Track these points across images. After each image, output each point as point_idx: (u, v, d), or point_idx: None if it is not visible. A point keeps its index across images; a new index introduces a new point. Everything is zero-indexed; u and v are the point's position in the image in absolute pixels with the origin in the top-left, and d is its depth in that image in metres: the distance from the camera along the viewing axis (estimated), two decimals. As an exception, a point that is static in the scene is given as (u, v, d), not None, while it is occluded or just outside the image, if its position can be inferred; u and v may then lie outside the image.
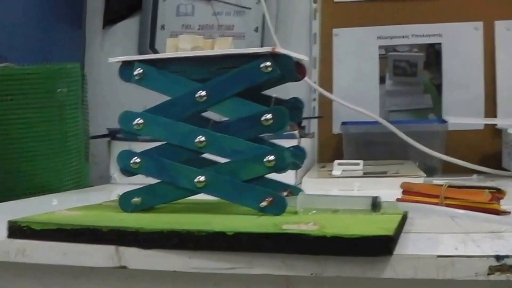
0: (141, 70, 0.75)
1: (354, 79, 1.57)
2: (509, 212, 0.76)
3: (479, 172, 1.28)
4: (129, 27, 1.64)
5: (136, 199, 0.75)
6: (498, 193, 0.77)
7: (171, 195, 0.75)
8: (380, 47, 1.57)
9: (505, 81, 1.51)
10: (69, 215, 0.72)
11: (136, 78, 0.75)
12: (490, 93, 1.52)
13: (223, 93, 0.72)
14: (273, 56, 0.71)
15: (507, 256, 0.54)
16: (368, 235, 0.56)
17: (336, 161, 1.24)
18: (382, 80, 1.57)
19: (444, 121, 1.43)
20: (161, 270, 0.62)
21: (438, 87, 1.55)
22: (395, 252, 0.57)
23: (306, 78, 1.41)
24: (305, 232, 0.58)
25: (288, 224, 0.62)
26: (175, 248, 0.61)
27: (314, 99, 1.58)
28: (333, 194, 0.75)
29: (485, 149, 1.49)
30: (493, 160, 1.40)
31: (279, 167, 0.71)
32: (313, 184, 1.13)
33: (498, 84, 1.52)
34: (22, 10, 1.31)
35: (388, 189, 0.87)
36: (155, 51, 1.56)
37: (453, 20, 1.54)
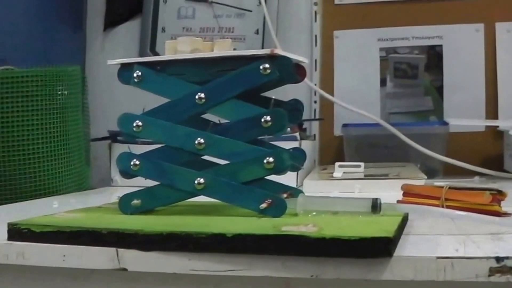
0: (140, 73, 0.75)
1: (355, 81, 1.57)
2: (510, 214, 0.75)
3: (480, 174, 1.28)
4: (130, 29, 1.64)
5: (135, 201, 0.75)
6: (499, 195, 0.77)
7: (170, 197, 0.75)
8: (381, 49, 1.57)
9: (506, 82, 1.51)
10: (69, 217, 0.72)
11: (135, 80, 0.75)
12: (491, 95, 1.52)
13: (222, 95, 0.72)
14: (272, 58, 0.71)
15: (507, 258, 0.54)
16: (368, 236, 0.56)
17: (337, 163, 1.24)
18: (383, 82, 1.57)
19: (445, 123, 1.43)
20: (161, 272, 0.62)
21: (439, 89, 1.55)
22: (395, 254, 0.57)
23: (306, 80, 1.42)
24: (304, 234, 0.58)
25: (287, 225, 0.62)
26: (174, 250, 0.61)
27: (315, 101, 1.58)
28: (333, 196, 0.75)
29: (486, 151, 1.49)
30: (495, 162, 1.40)
31: (279, 169, 0.71)
32: (314, 186, 1.13)
33: (499, 85, 1.51)
34: (23, 13, 1.32)
35: (389, 191, 0.87)
36: (156, 54, 1.56)
37: (454, 22, 1.53)
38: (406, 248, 0.59)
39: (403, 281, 0.56)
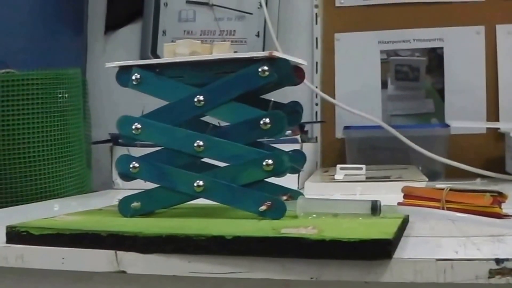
0: (139, 75, 0.75)
1: (356, 83, 1.57)
2: (511, 216, 0.75)
3: (482, 176, 1.27)
4: (131, 32, 1.64)
5: (135, 204, 0.75)
6: (499, 197, 0.76)
7: (170, 199, 0.75)
8: (382, 51, 1.56)
9: (507, 84, 1.51)
10: (69, 220, 0.72)
11: (134, 83, 0.75)
12: (492, 97, 1.52)
13: (221, 97, 0.72)
14: (271, 60, 0.71)
15: (507, 259, 0.54)
16: (367, 238, 0.56)
17: (339, 166, 1.24)
18: (384, 84, 1.57)
19: (447, 125, 1.43)
20: (161, 274, 0.62)
21: (440, 92, 1.55)
22: (395, 256, 0.56)
23: (308, 83, 1.42)
24: (304, 236, 0.58)
25: (287, 228, 0.61)
26: (174, 253, 0.61)
27: (317, 104, 1.58)
28: (333, 198, 0.74)
29: (488, 153, 1.48)
30: (496, 164, 1.40)
31: (278, 171, 0.71)
32: (315, 189, 1.13)
33: (500, 88, 1.51)
34: (24, 16, 1.31)
35: (390, 194, 0.87)
36: (157, 57, 1.56)
37: (454, 24, 1.53)
38: (406, 250, 0.59)
39: (403, 283, 0.56)
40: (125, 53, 1.62)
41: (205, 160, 0.76)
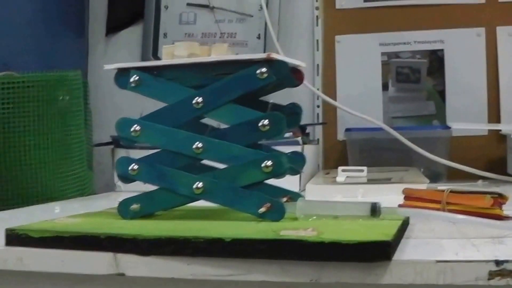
0: (137, 77, 0.75)
1: (357, 85, 1.57)
2: (511, 217, 0.75)
3: (484, 178, 1.27)
4: (132, 35, 1.64)
5: (135, 206, 0.75)
6: (500, 198, 0.76)
7: (169, 201, 0.75)
8: (383, 53, 1.56)
9: (508, 86, 1.50)
10: (68, 222, 0.71)
11: (132, 85, 0.75)
12: (493, 99, 1.51)
13: (220, 99, 0.72)
14: (269, 62, 0.71)
15: (506, 261, 0.53)
16: (366, 240, 0.56)
17: (340, 168, 1.23)
18: (385, 86, 1.57)
19: (448, 127, 1.43)
20: (160, 277, 0.61)
21: (442, 93, 1.55)
22: (394, 258, 0.56)
23: (309, 85, 1.42)
24: (303, 238, 0.57)
25: (286, 230, 0.61)
26: (173, 255, 0.61)
27: (318, 106, 1.58)
28: (333, 200, 0.74)
29: (489, 155, 1.48)
30: (498, 166, 1.39)
31: (277, 172, 0.71)
32: (316, 191, 1.13)
33: (501, 89, 1.51)
34: (25, 18, 1.32)
35: (392, 196, 0.87)
36: (158, 59, 1.56)
37: (455, 26, 1.53)
38: (406, 252, 0.59)
39: (402, 284, 0.56)
40: (127, 55, 1.62)
41: (205, 162, 0.76)
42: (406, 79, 1.56)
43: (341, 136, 1.55)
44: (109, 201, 1.13)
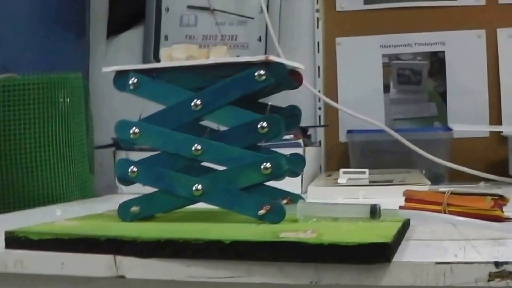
0: (136, 80, 0.75)
1: (359, 87, 1.57)
2: (512, 219, 0.75)
3: (486, 180, 1.27)
4: (133, 37, 1.65)
5: (134, 208, 0.75)
6: (500, 200, 0.76)
7: (169, 204, 0.75)
8: (384, 55, 1.56)
9: (509, 88, 1.50)
10: (68, 225, 0.71)
11: (131, 87, 0.75)
12: (494, 100, 1.51)
13: (218, 101, 0.72)
14: (267, 65, 0.71)
15: (506, 262, 0.53)
16: (365, 242, 0.55)
17: (342, 170, 1.23)
18: (386, 88, 1.57)
19: (449, 129, 1.42)
20: (159, 279, 0.61)
21: (443, 95, 1.55)
22: (394, 259, 0.56)
23: (310, 87, 1.42)
24: (302, 240, 0.57)
25: (286, 232, 0.61)
26: (172, 257, 0.61)
27: (320, 108, 1.58)
28: (332, 202, 0.74)
29: (491, 157, 1.48)
30: (500, 167, 1.39)
31: (276, 174, 0.70)
32: (318, 193, 1.13)
33: (502, 91, 1.51)
34: (26, 20, 1.32)
35: (393, 197, 0.87)
36: (159, 62, 1.56)
37: (455, 28, 1.53)
38: (406, 254, 0.59)
39: (402, 286, 0.55)
40: (128, 58, 1.63)
41: (204, 164, 0.76)
42: (407, 80, 1.56)
43: (343, 138, 1.55)
44: (110, 203, 1.13)
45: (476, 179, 1.27)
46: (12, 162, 1.11)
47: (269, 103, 0.73)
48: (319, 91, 1.54)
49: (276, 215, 0.70)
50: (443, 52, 1.54)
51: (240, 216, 0.72)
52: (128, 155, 0.78)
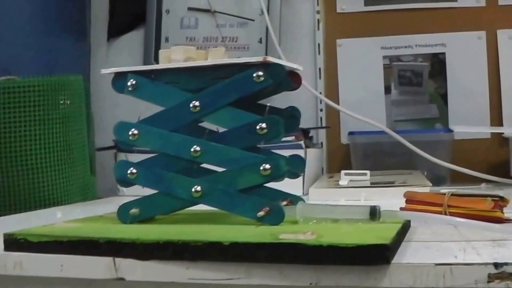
0: (134, 81, 0.75)
1: (360, 89, 1.57)
2: (512, 220, 0.75)
3: (487, 181, 1.27)
4: (134, 39, 1.65)
5: (134, 210, 0.75)
6: (501, 201, 0.76)
7: (168, 205, 0.75)
8: (384, 57, 1.56)
9: (509, 89, 1.51)
10: (68, 227, 0.71)
11: (129, 89, 0.75)
12: (495, 102, 1.52)
13: (217, 103, 0.72)
14: (265, 66, 0.71)
15: (506, 264, 0.53)
16: (365, 244, 0.55)
17: (343, 171, 1.23)
18: (387, 90, 1.57)
19: (451, 130, 1.42)
20: (159, 281, 0.61)
21: (444, 97, 1.55)
22: (394, 261, 0.56)
23: (311, 89, 1.42)
24: (301, 242, 0.57)
25: (285, 233, 0.61)
26: (172, 259, 0.60)
27: (321, 110, 1.58)
28: (332, 204, 0.74)
29: (492, 158, 1.48)
30: (501, 169, 1.39)
31: (275, 176, 0.70)
32: (319, 194, 1.13)
33: (502, 92, 1.51)
34: (27, 23, 1.32)
35: (395, 199, 0.87)
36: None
37: (456, 29, 1.54)
38: (406, 255, 0.59)
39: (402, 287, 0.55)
40: (128, 60, 1.63)
41: (203, 165, 0.76)
42: (408, 82, 1.56)
43: (344, 139, 1.55)
44: (111, 205, 1.12)
45: (477, 181, 1.27)
46: (13, 164, 1.11)
47: (268, 104, 0.73)
48: (320, 93, 1.54)
49: (275, 217, 0.70)
50: (444, 53, 1.54)
51: (239, 218, 0.72)
52: (128, 156, 0.78)
